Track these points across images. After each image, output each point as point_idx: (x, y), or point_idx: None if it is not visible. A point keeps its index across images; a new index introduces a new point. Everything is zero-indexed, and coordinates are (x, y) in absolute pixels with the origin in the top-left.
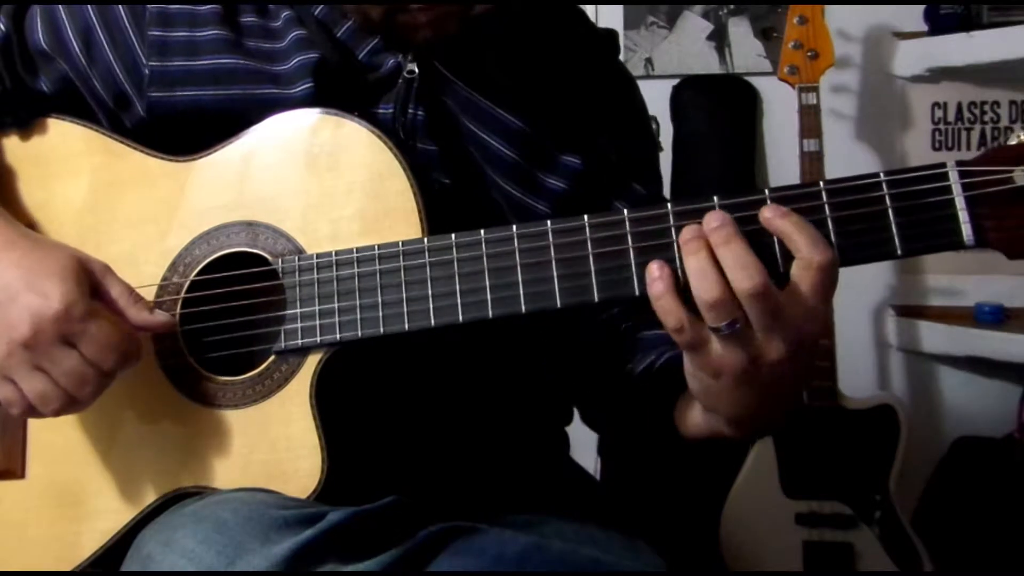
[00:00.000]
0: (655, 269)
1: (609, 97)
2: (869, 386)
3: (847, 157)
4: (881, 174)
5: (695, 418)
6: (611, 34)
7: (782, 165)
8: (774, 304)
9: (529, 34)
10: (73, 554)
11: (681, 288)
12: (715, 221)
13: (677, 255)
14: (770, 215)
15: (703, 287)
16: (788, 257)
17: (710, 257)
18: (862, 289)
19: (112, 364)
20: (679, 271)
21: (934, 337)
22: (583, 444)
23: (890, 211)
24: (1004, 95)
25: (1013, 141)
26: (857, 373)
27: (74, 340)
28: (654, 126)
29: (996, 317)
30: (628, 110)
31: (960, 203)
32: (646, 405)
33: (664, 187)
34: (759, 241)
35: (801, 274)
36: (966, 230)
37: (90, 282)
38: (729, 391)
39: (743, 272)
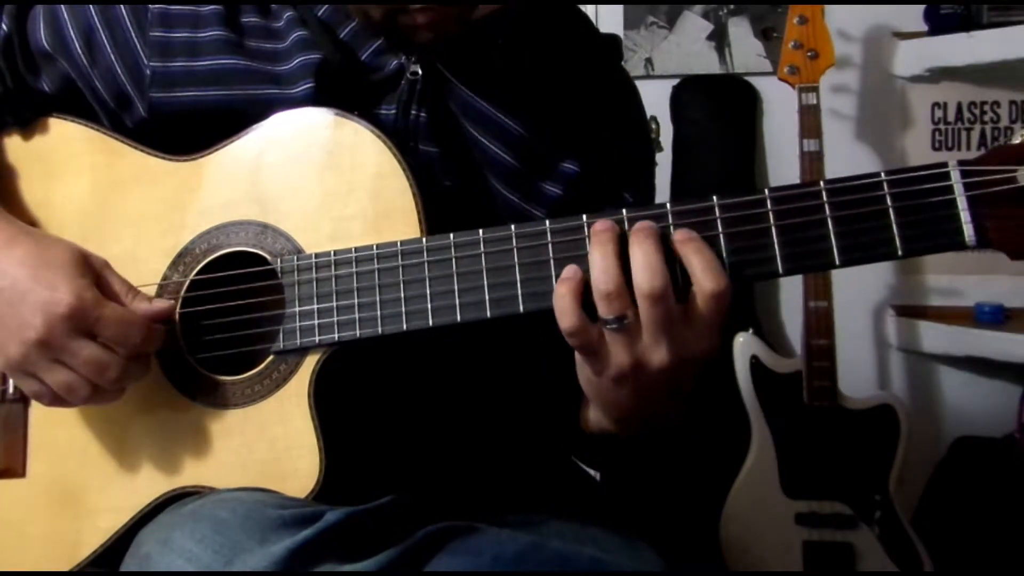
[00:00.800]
0: (568, 270)
1: (608, 104)
2: (869, 386)
3: (847, 157)
4: (882, 174)
5: (590, 414)
6: (614, 40)
7: (782, 165)
8: (668, 312)
9: (532, 38)
10: (73, 553)
11: (582, 295)
12: (641, 223)
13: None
14: (677, 238)
15: (603, 277)
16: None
17: (616, 252)
18: (862, 289)
19: (135, 341)
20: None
21: (934, 337)
22: None
23: (891, 211)
24: (1004, 95)
25: (1016, 140)
26: (857, 373)
27: (90, 328)
28: (654, 126)
29: (996, 317)
30: (625, 118)
31: (962, 203)
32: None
33: (664, 187)
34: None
35: (697, 297)
36: (968, 230)
37: (94, 275)
38: (610, 389)
39: (647, 272)
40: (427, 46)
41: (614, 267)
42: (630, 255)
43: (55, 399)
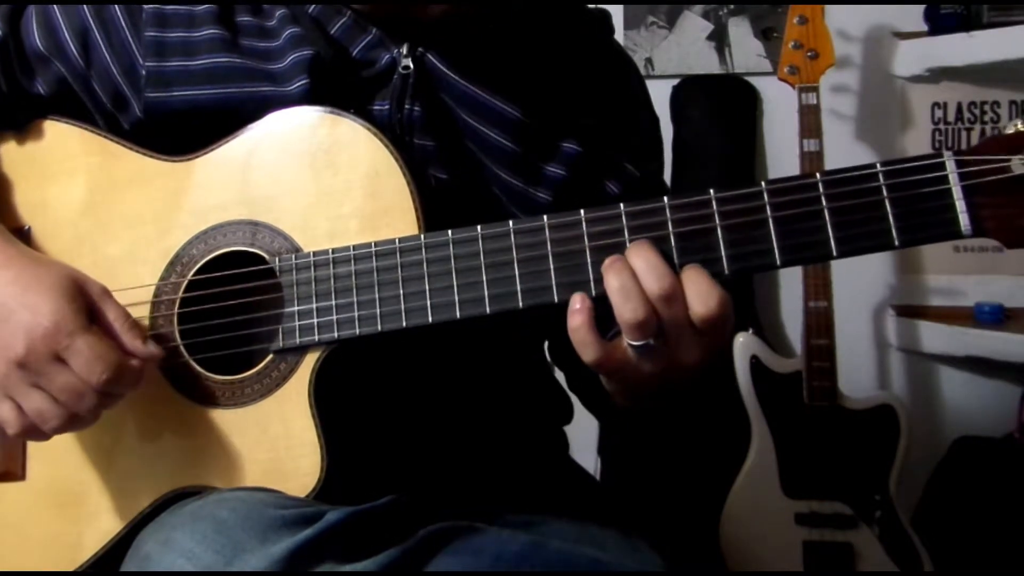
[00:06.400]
0: (576, 301)
1: (603, 79)
2: (869, 386)
3: (847, 157)
4: (877, 164)
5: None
6: (604, 14)
7: (782, 165)
8: (685, 312)
9: (523, 22)
10: (75, 555)
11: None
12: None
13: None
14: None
15: (627, 307)
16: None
17: (633, 276)
18: (862, 289)
19: (101, 377)
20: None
21: (934, 337)
22: (583, 444)
23: (887, 202)
24: (1004, 95)
25: (1010, 130)
26: (857, 373)
27: (64, 355)
28: None
29: (996, 317)
30: (622, 91)
31: (957, 192)
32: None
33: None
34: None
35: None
36: (963, 220)
37: (86, 302)
38: (641, 395)
39: (654, 275)
40: (426, 29)
41: (636, 294)
42: (633, 268)
43: (22, 428)
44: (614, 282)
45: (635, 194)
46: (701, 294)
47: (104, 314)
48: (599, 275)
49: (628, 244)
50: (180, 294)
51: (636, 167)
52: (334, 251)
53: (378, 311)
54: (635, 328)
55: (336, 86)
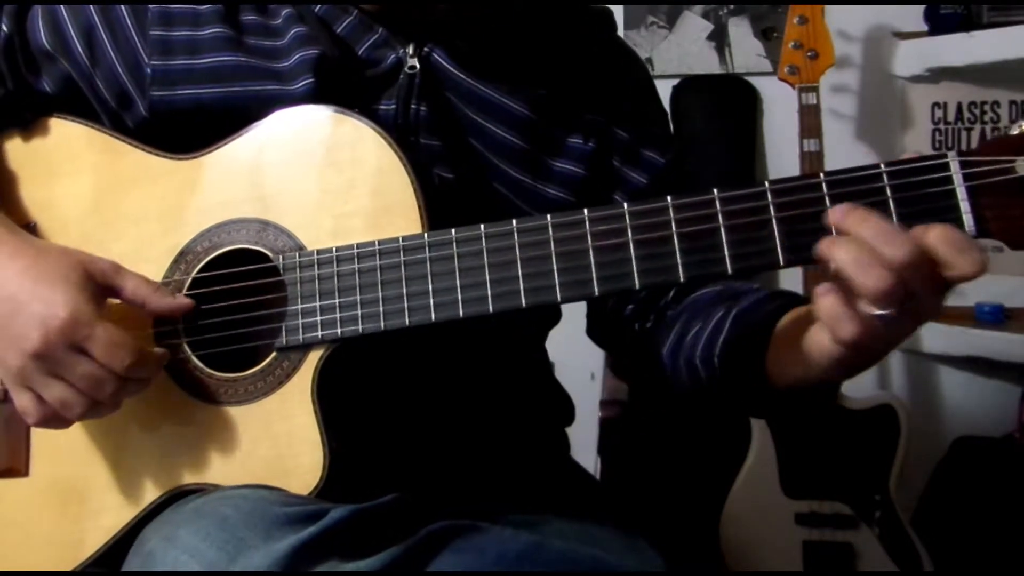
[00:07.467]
0: (822, 286)
1: (610, 74)
2: (869, 386)
3: (847, 157)
4: (882, 165)
5: (796, 374)
6: (605, 11)
7: (782, 165)
8: (929, 267)
9: (528, 20)
10: (77, 552)
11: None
12: (838, 212)
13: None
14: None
15: (869, 277)
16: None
17: (864, 246)
18: None
19: (124, 363)
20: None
21: (934, 337)
22: (583, 444)
23: (891, 202)
24: (1004, 95)
25: (1015, 131)
26: None
27: (83, 345)
28: None
29: (996, 317)
30: (631, 83)
31: (961, 193)
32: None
33: None
34: (758, 233)
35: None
36: (968, 220)
37: (99, 284)
38: (859, 364)
39: (892, 243)
40: (433, 28)
41: (874, 263)
42: (862, 237)
43: (43, 417)
44: (844, 256)
45: (664, 180)
46: (966, 254)
47: (122, 288)
48: (602, 274)
49: (632, 242)
50: (184, 291)
51: (658, 154)
52: (338, 249)
53: (381, 309)
54: (883, 298)
55: (341, 85)
